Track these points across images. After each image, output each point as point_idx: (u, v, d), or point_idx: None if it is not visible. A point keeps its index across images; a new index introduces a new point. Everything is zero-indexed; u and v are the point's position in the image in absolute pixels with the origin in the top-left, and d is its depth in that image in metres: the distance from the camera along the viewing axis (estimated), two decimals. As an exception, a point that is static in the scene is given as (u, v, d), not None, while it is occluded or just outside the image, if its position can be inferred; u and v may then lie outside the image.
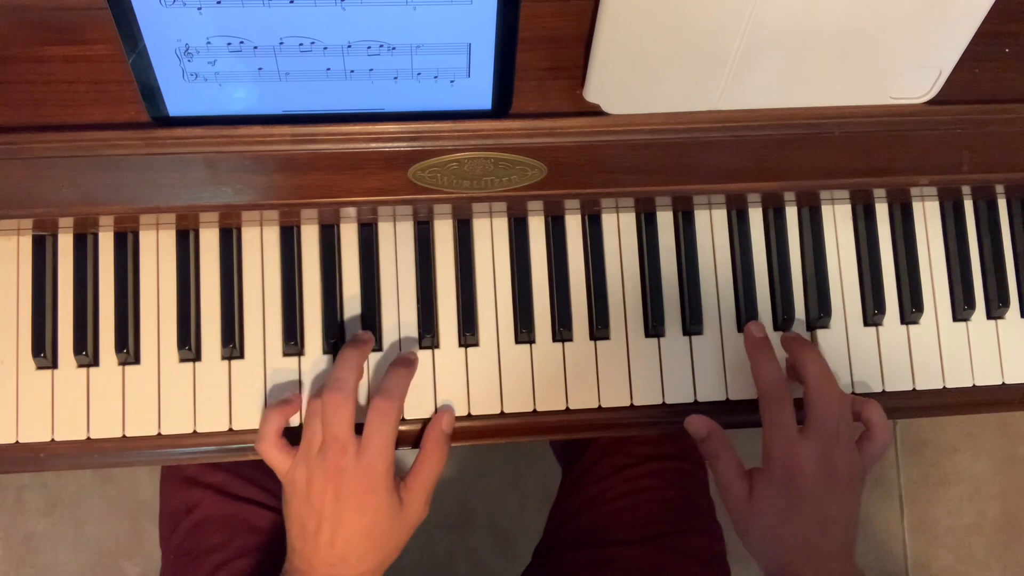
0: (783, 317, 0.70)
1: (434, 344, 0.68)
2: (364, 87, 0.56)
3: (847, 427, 0.63)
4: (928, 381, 0.71)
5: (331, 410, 0.61)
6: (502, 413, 0.68)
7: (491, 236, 0.70)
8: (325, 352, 0.67)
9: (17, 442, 0.66)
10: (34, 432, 0.66)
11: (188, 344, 0.66)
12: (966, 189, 0.71)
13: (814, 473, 0.61)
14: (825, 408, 0.63)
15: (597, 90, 0.57)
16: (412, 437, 0.67)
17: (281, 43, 0.52)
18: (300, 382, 0.67)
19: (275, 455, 0.63)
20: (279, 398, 0.67)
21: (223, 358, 0.67)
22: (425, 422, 0.67)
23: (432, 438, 0.65)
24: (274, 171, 0.59)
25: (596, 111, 0.59)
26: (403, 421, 0.67)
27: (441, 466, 0.65)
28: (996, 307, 0.72)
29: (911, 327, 0.71)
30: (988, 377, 0.71)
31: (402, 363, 0.66)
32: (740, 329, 0.70)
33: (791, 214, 0.72)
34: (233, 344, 0.67)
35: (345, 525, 0.61)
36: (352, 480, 0.61)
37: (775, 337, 0.69)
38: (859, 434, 0.65)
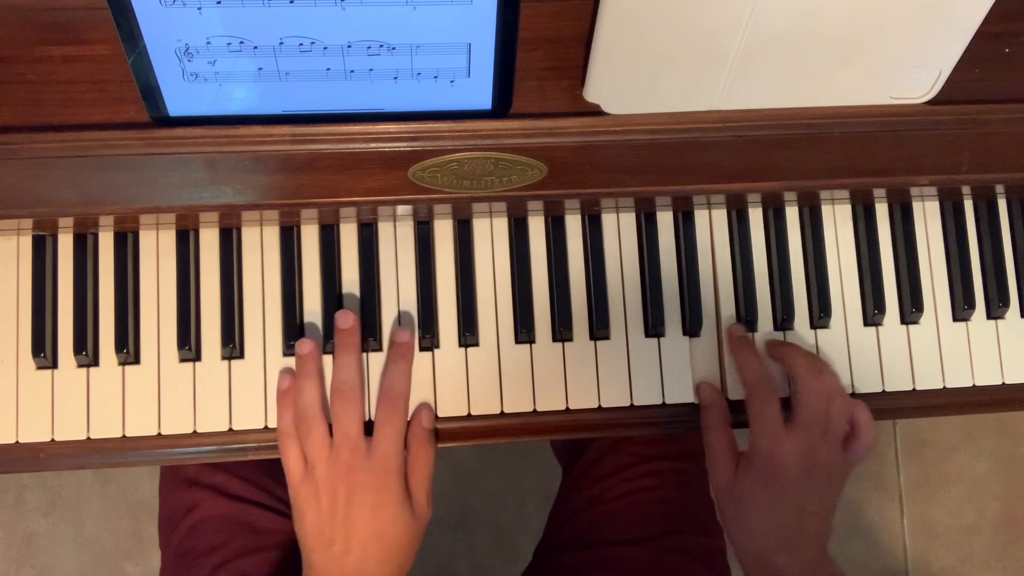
0: (783, 317, 0.70)
1: (434, 344, 0.68)
2: (364, 87, 0.56)
3: (836, 422, 0.63)
4: (928, 381, 0.71)
5: (340, 411, 0.62)
6: (502, 413, 0.68)
7: (491, 236, 0.70)
8: (325, 352, 0.67)
9: (17, 442, 0.66)
10: (34, 432, 0.66)
11: (188, 344, 0.66)
12: (966, 189, 0.71)
13: (795, 467, 0.62)
14: (811, 403, 0.63)
15: (597, 90, 0.57)
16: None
17: (281, 43, 0.52)
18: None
19: (294, 451, 0.62)
20: (278, 390, 0.66)
21: (223, 358, 0.67)
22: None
23: (414, 439, 0.65)
24: (274, 171, 0.59)
25: (596, 111, 0.59)
26: (403, 421, 0.67)
27: (431, 463, 0.65)
28: (996, 307, 0.72)
29: (911, 327, 0.71)
30: (988, 377, 0.71)
31: (398, 355, 0.66)
32: (740, 329, 0.70)
33: (791, 214, 0.72)
34: (233, 344, 0.67)
35: (359, 528, 0.60)
36: (366, 478, 0.60)
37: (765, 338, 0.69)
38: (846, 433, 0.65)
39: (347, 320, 0.65)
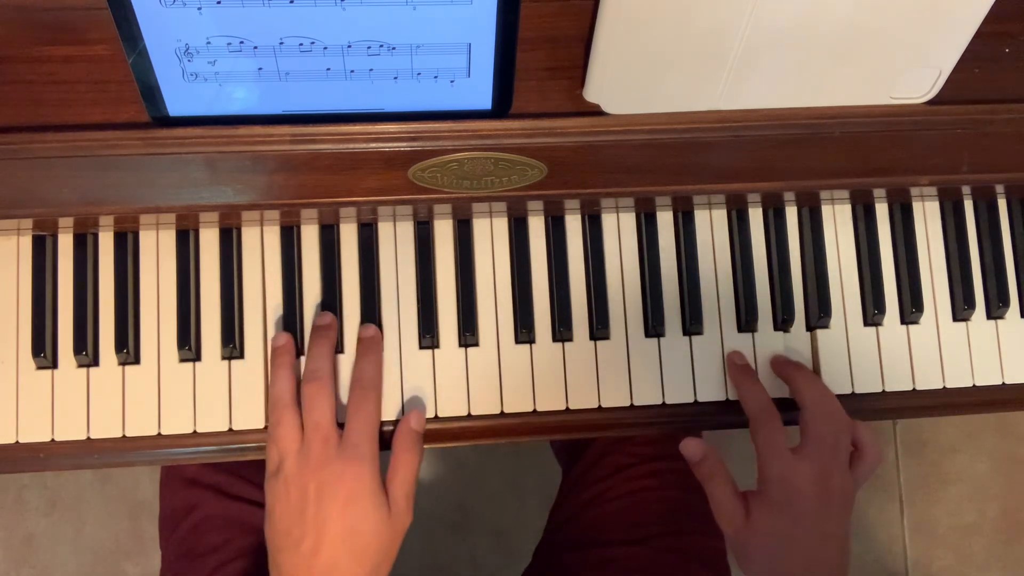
0: (783, 317, 0.70)
1: (434, 344, 0.68)
2: (364, 87, 0.56)
3: (844, 446, 0.63)
4: (928, 381, 0.71)
5: (310, 400, 0.61)
6: (502, 413, 0.68)
7: (491, 236, 0.70)
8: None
9: (17, 442, 0.66)
10: (34, 432, 0.66)
11: (188, 344, 0.66)
12: (966, 189, 0.71)
13: (812, 492, 0.61)
14: (823, 427, 0.63)
15: (597, 90, 0.57)
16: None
17: (281, 43, 0.52)
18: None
19: (271, 446, 0.61)
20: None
21: (223, 358, 0.67)
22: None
23: (401, 439, 0.63)
24: (274, 171, 0.59)
25: (596, 111, 0.59)
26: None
27: (416, 466, 0.63)
28: (996, 307, 0.72)
29: (911, 327, 0.71)
30: (988, 377, 0.71)
31: (366, 348, 0.65)
32: (740, 329, 0.70)
33: (791, 214, 0.72)
34: (233, 344, 0.67)
35: (329, 523, 0.58)
36: (337, 469, 0.59)
37: (771, 343, 0.69)
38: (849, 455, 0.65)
39: (324, 318, 0.66)
